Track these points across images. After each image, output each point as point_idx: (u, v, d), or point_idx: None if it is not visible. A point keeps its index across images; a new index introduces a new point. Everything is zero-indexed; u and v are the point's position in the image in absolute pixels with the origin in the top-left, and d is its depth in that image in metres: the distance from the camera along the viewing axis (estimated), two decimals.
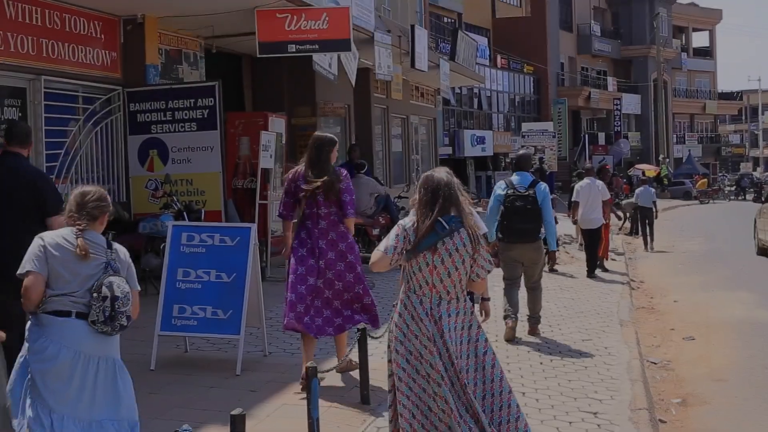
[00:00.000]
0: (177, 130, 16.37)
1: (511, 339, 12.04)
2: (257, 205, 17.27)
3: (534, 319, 12.54)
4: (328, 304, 9.38)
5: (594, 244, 19.11)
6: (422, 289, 6.56)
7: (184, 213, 14.79)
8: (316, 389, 7.16)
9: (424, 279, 6.54)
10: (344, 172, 9.59)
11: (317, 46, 16.93)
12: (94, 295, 5.94)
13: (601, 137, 73.21)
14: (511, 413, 6.63)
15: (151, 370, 9.99)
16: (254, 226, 10.63)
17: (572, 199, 19.63)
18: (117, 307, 5.97)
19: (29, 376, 5.90)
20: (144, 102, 16.64)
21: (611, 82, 78.37)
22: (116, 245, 6.26)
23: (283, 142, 19.39)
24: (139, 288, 6.39)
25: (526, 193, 12.02)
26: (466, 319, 6.63)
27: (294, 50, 16.79)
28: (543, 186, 12.32)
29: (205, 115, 16.22)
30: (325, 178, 9.32)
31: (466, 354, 6.57)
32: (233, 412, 5.78)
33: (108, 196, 6.38)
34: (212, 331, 10.29)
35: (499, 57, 61.78)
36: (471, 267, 6.61)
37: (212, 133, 16.22)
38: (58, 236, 6.05)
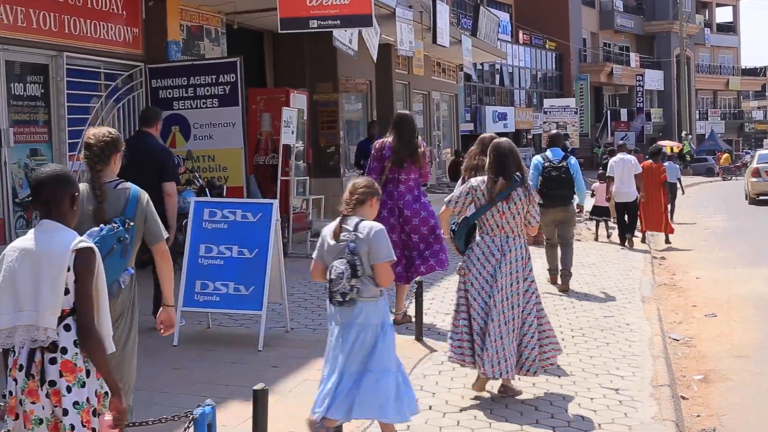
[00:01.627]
0: (199, 106, 16.39)
1: (554, 282, 14.51)
2: (279, 181, 17.29)
3: (566, 274, 14.30)
4: (408, 255, 11.08)
5: (631, 215, 20.45)
6: (494, 231, 8.44)
7: (206, 189, 14.82)
8: None
9: (495, 223, 8.42)
10: (425, 144, 11.57)
11: (339, 22, 16.89)
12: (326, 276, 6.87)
13: (623, 113, 73.01)
14: (541, 340, 8.64)
15: (174, 345, 10.03)
16: (276, 202, 10.62)
17: (607, 174, 20.89)
18: (332, 287, 6.73)
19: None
20: (166, 78, 16.65)
21: (634, 58, 78.03)
22: (364, 223, 6.87)
23: (305, 118, 19.38)
24: (393, 258, 6.91)
25: (560, 164, 14.28)
26: (525, 253, 8.55)
27: (315, 26, 16.75)
28: (573, 159, 14.60)
29: (227, 91, 16.22)
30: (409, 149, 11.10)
31: (516, 281, 8.42)
32: (256, 387, 5.80)
33: (376, 184, 7.35)
34: (234, 306, 10.33)
35: (521, 33, 61.59)
36: (525, 215, 8.45)
37: (234, 109, 16.22)
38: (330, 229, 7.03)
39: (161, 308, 6.70)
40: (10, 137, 13.75)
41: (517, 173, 8.42)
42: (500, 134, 32.25)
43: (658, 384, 8.96)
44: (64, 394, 4.67)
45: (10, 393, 4.80)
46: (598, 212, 21.98)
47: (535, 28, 63.83)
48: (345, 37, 18.60)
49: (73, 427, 4.66)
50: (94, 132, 6.60)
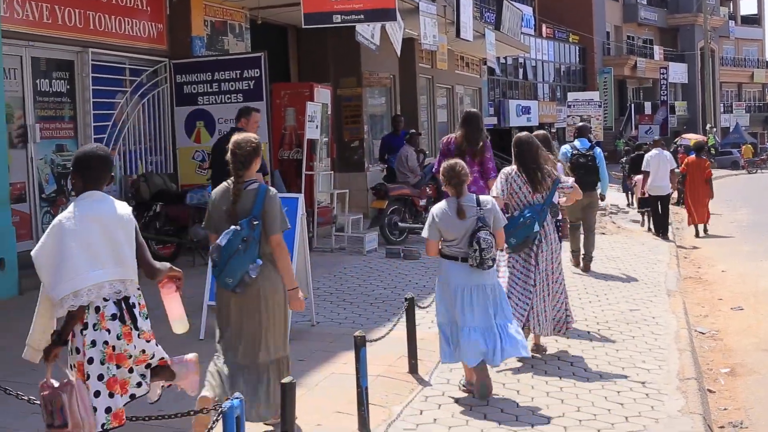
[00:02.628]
0: (223, 101, 16.43)
1: (577, 265, 15.47)
2: (303, 175, 17.30)
3: (587, 258, 15.44)
4: None
5: (665, 208, 21.14)
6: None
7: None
8: (365, 358, 7.20)
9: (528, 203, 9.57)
10: (488, 141, 12.45)
11: (362, 17, 16.89)
12: (473, 246, 8.03)
13: (647, 106, 72.71)
14: (564, 310, 10.00)
15: (201, 339, 10.06)
16: (301, 197, 10.63)
17: (642, 168, 21.40)
18: (483, 255, 7.97)
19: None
20: (190, 73, 16.71)
21: (657, 51, 77.70)
22: (484, 198, 8.32)
23: (329, 112, 19.39)
24: (504, 221, 8.54)
25: (587, 153, 15.43)
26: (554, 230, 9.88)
27: (339, 21, 16.75)
28: (598, 149, 15.72)
29: (251, 86, 16.26)
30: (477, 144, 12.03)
31: (550, 251, 9.69)
32: (283, 381, 5.82)
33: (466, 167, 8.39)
34: None
35: (544, 26, 61.42)
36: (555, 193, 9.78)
37: (258, 104, 16.21)
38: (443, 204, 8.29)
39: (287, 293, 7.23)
40: (37, 133, 13.85)
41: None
42: (524, 129, 32.52)
43: (684, 377, 8.95)
44: (149, 330, 5.74)
45: (105, 343, 5.54)
46: (646, 204, 22.41)
47: (559, 22, 63.65)
48: (367, 32, 18.59)
49: (153, 355, 5.78)
50: (238, 140, 7.13)
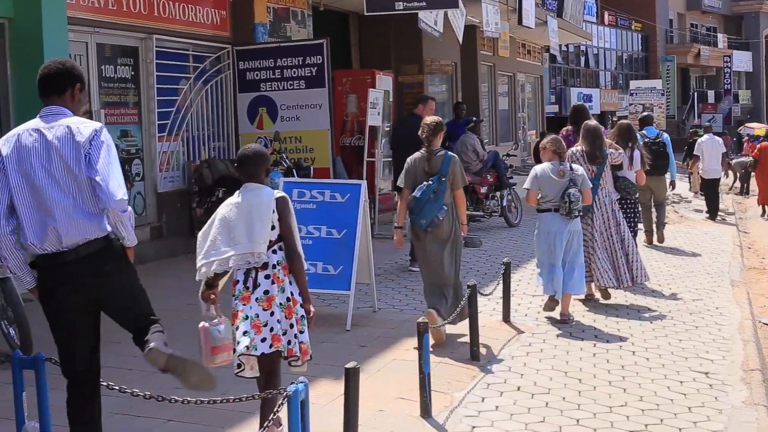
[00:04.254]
0: (286, 87, 16.49)
1: (650, 243, 16.91)
2: (365, 162, 17.34)
3: (660, 224, 17.07)
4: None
5: (715, 192, 22.50)
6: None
7: (294, 170, 14.90)
8: (428, 344, 7.22)
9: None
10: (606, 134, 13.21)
11: (424, 4, 16.88)
12: (564, 199, 10.47)
13: (711, 95, 71.93)
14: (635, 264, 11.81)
15: None
16: (364, 183, 10.64)
17: (694, 153, 23.06)
18: (572, 206, 10.44)
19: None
20: (253, 60, 16.78)
21: (721, 38, 76.82)
22: (576, 165, 10.86)
23: (391, 99, 19.40)
24: (590, 186, 10.91)
25: (657, 140, 16.69)
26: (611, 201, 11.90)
27: (401, 8, 16.76)
28: (666, 135, 17.24)
29: (314, 73, 16.29)
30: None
31: (614, 220, 11.74)
32: (348, 366, 5.85)
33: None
34: (323, 286, 10.34)
35: (606, 14, 60.96)
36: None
37: (320, 90, 16.30)
38: (546, 165, 10.79)
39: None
40: (101, 119, 13.97)
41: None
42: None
43: (748, 368, 8.88)
44: (276, 295, 6.36)
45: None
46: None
47: (621, 9, 63.14)
48: (430, 19, 18.57)
49: (273, 314, 6.33)
50: (428, 121, 9.79)
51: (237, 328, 6.36)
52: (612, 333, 10.13)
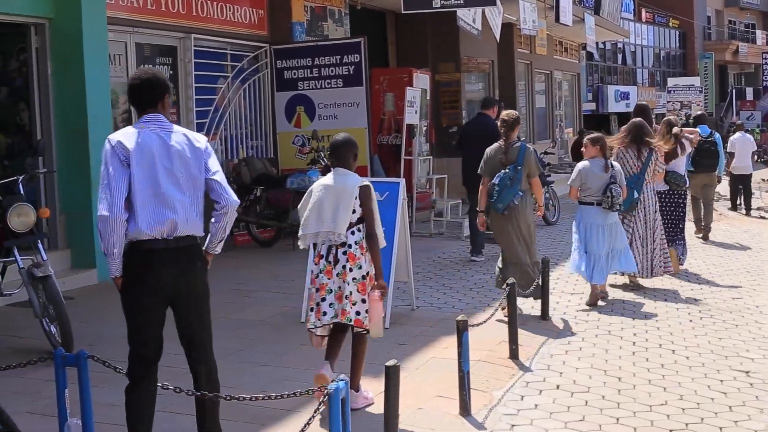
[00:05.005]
0: (323, 86, 16.54)
1: (699, 233, 17.62)
2: (402, 160, 17.34)
3: (707, 228, 17.55)
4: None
5: (747, 187, 23.45)
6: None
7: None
8: (467, 343, 7.21)
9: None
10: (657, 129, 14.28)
11: (462, 2, 16.88)
12: (606, 194, 11.26)
13: (749, 92, 71.38)
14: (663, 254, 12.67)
15: (302, 322, 10.13)
16: (403, 181, 10.65)
17: (727, 150, 22.81)
18: (614, 201, 11.24)
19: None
20: (290, 59, 16.83)
21: (760, 35, 76.27)
22: (614, 163, 11.64)
23: (428, 97, 19.39)
24: (625, 183, 11.69)
25: (709, 138, 17.29)
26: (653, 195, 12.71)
27: (439, 6, 16.76)
28: (717, 134, 17.80)
29: (351, 72, 16.32)
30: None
31: (653, 214, 12.52)
32: (388, 364, 5.85)
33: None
34: None
35: (643, 11, 60.67)
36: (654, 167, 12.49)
37: (358, 89, 16.32)
38: (590, 162, 11.53)
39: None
40: None
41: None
42: (622, 114, 32.19)
43: None
44: (348, 272, 7.27)
45: (311, 272, 7.63)
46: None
47: (658, 6, 62.79)
48: (469, 17, 18.56)
49: (351, 293, 7.24)
50: (505, 116, 10.92)
51: (324, 299, 7.32)
52: (651, 332, 10.09)
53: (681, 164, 13.94)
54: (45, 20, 11.85)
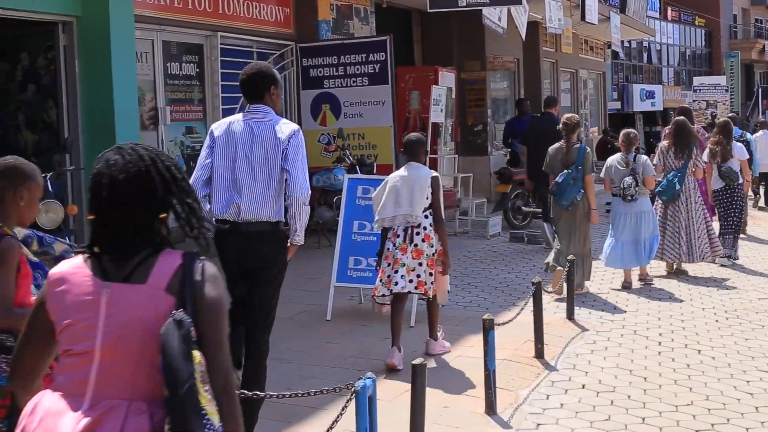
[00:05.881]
0: (349, 84, 16.54)
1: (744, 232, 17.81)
2: (427, 159, 17.33)
3: (744, 223, 17.51)
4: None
5: None
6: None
7: (357, 167, 14.93)
8: (493, 341, 7.22)
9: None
10: (701, 130, 16.62)
11: (488, 0, 16.86)
12: (620, 185, 12.36)
13: None
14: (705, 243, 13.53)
15: (327, 320, 10.20)
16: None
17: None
18: (625, 192, 12.24)
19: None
20: (316, 57, 16.84)
21: None
22: (640, 156, 12.42)
23: (453, 96, 19.39)
24: (653, 173, 12.51)
25: (742, 138, 17.78)
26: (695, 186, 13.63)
27: (464, 4, 16.78)
28: (750, 135, 19.10)
29: (377, 70, 16.33)
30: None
31: (694, 201, 13.41)
32: (414, 362, 5.86)
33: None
34: None
35: (669, 9, 60.44)
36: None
37: (383, 87, 16.33)
38: (617, 156, 12.60)
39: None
40: (167, 115, 14.11)
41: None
42: (648, 113, 32.17)
43: None
44: (421, 250, 8.56)
45: (388, 249, 8.74)
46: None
47: (684, 5, 62.53)
48: (494, 15, 18.55)
49: (421, 264, 8.54)
50: (565, 117, 12.18)
51: (396, 272, 8.56)
52: (677, 332, 10.08)
53: (735, 162, 14.90)
54: (73, 18, 11.89)
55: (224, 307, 3.08)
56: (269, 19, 16.50)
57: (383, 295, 8.72)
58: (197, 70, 15.06)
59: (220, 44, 15.23)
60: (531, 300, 9.00)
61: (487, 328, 7.13)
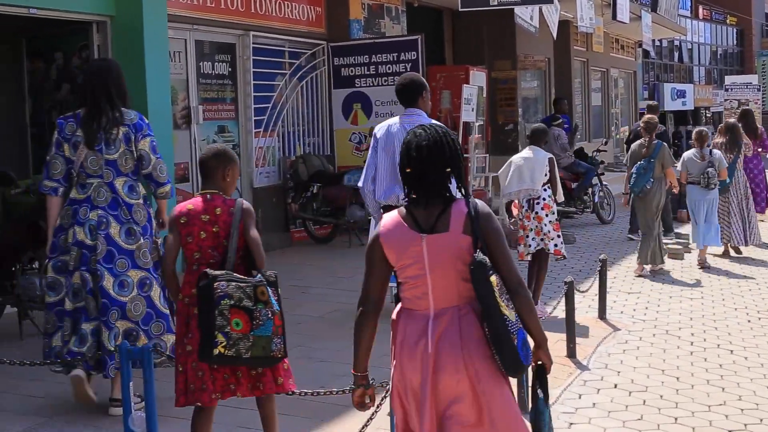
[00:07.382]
0: (380, 83, 16.57)
1: None
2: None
3: None
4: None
5: None
6: None
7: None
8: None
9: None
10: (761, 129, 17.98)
11: None
12: (703, 175, 13.92)
13: None
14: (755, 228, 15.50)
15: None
16: None
17: None
18: (710, 181, 13.92)
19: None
20: (348, 56, 16.88)
21: None
22: (715, 151, 14.29)
23: (484, 95, 19.37)
24: (726, 166, 14.34)
25: None
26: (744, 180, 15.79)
27: (496, 3, 16.77)
28: None
29: (408, 69, 16.28)
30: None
31: (745, 193, 15.49)
32: None
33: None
34: None
35: (701, 8, 60.17)
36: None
37: None
38: (692, 152, 14.32)
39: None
40: (200, 114, 14.18)
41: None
42: (678, 112, 32.15)
43: None
44: (543, 217, 10.50)
45: (514, 218, 10.85)
46: None
47: (716, 3, 62.26)
48: (526, 14, 18.52)
49: (549, 231, 10.54)
50: (646, 118, 13.91)
51: (527, 236, 10.48)
52: (709, 332, 10.07)
53: None
54: (107, 18, 11.97)
55: (501, 229, 4.35)
56: (301, 18, 16.56)
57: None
58: (229, 69, 15.13)
59: (252, 44, 15.29)
60: (563, 299, 9.00)
61: None
